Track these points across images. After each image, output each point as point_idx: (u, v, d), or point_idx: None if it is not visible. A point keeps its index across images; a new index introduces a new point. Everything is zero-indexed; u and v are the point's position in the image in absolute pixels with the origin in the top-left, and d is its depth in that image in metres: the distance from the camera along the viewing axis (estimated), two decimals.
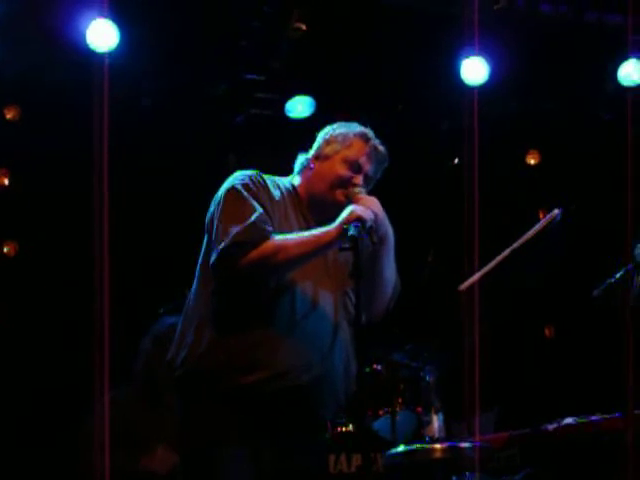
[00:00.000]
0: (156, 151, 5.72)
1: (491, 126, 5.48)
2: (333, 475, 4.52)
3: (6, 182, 5.81)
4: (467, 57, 5.37)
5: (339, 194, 2.93)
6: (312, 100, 5.75)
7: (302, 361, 2.78)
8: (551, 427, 3.75)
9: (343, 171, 2.95)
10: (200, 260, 2.92)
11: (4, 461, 5.40)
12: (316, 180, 2.98)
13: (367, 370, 4.63)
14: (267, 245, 2.75)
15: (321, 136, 3.07)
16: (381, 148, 3.03)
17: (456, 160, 6.32)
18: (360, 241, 2.69)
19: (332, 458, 4.53)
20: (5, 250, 5.95)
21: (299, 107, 5.76)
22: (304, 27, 5.23)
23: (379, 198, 2.92)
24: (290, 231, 2.85)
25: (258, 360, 2.75)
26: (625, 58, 5.49)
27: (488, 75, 5.40)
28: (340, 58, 5.59)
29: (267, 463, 2.77)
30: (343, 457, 4.52)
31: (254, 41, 5.39)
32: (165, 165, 5.77)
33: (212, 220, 2.86)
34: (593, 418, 3.70)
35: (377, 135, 3.08)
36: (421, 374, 4.39)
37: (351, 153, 2.97)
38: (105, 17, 4.87)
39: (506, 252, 3.39)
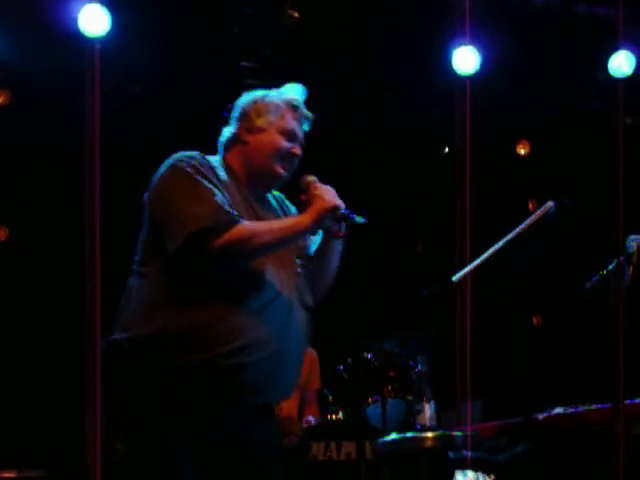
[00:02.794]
0: (147, 138, 5.70)
1: (482, 116, 5.48)
2: (322, 462, 4.54)
3: None
4: (458, 46, 5.37)
5: (279, 167, 2.89)
6: (303, 88, 5.74)
7: (258, 339, 2.72)
8: (541, 417, 3.77)
9: (282, 142, 2.90)
10: (143, 238, 2.82)
11: None
12: (254, 154, 2.91)
13: (358, 358, 4.66)
14: (239, 230, 2.69)
15: (246, 107, 2.96)
16: (306, 111, 2.99)
17: (446, 149, 6.33)
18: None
19: (322, 445, 4.55)
20: None
21: None
22: (297, 15, 5.23)
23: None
24: (238, 211, 2.76)
25: (210, 338, 2.68)
26: (616, 49, 5.51)
27: (479, 65, 5.40)
28: (332, 46, 5.59)
29: (218, 442, 2.71)
30: (333, 445, 4.54)
31: (247, 28, 5.39)
32: (156, 152, 5.72)
33: (160, 202, 2.76)
34: (583, 408, 3.71)
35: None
36: (411, 363, 4.41)
37: (285, 124, 2.91)
38: (97, 2, 4.86)
39: (500, 244, 3.38)
